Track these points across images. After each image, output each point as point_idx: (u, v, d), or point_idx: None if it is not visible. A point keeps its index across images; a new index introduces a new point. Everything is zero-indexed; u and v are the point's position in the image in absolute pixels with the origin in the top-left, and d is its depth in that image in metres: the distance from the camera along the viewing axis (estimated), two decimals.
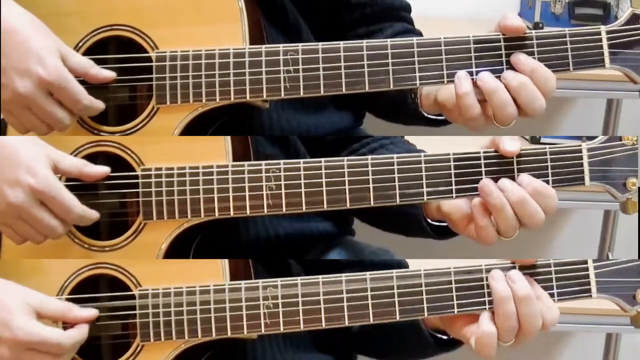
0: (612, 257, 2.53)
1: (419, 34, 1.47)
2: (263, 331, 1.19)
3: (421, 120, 1.38)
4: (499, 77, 1.22)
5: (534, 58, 1.22)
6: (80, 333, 1.18)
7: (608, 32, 1.23)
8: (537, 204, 1.19)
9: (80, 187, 1.20)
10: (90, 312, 1.20)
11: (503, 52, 1.22)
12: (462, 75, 1.22)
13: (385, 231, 1.47)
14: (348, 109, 1.46)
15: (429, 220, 1.34)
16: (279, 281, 1.20)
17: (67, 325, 1.18)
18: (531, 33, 1.23)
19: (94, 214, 1.20)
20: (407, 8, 1.50)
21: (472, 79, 1.22)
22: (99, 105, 1.22)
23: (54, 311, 1.17)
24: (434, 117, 1.36)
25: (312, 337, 1.36)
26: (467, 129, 1.31)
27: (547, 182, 1.21)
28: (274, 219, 1.34)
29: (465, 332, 1.21)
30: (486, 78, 1.22)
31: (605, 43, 1.23)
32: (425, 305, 1.20)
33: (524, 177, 1.20)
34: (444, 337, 1.28)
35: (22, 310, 1.14)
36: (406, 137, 1.49)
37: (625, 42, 1.22)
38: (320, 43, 1.23)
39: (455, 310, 1.20)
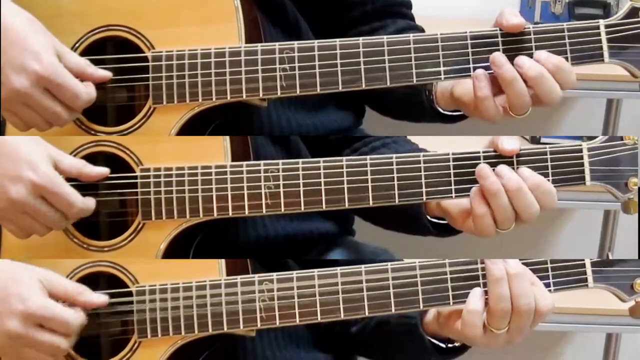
0: (612, 257, 2.53)
1: (422, 30, 1.46)
2: (259, 325, 1.19)
3: (436, 117, 1.37)
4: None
5: (532, 52, 1.21)
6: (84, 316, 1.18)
7: (607, 26, 1.22)
8: (536, 198, 1.18)
9: (80, 187, 1.20)
10: (101, 297, 1.20)
11: (500, 47, 1.22)
12: (481, 76, 1.22)
13: (387, 229, 1.46)
14: (348, 108, 1.46)
15: (430, 218, 1.33)
16: (274, 275, 1.20)
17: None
18: (529, 28, 1.22)
19: (92, 205, 1.21)
20: (408, 4, 1.49)
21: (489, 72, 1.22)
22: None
23: (66, 291, 1.18)
24: (450, 113, 1.36)
25: (312, 336, 1.36)
26: (468, 129, 1.30)
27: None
28: (274, 219, 1.34)
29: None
30: (506, 67, 1.21)
31: (604, 37, 1.22)
32: (420, 297, 1.20)
33: (525, 170, 1.19)
34: (442, 345, 1.27)
35: (36, 287, 1.15)
36: (408, 137, 1.49)
37: (624, 35, 1.22)
38: (316, 41, 1.23)
39: (451, 301, 1.20)
